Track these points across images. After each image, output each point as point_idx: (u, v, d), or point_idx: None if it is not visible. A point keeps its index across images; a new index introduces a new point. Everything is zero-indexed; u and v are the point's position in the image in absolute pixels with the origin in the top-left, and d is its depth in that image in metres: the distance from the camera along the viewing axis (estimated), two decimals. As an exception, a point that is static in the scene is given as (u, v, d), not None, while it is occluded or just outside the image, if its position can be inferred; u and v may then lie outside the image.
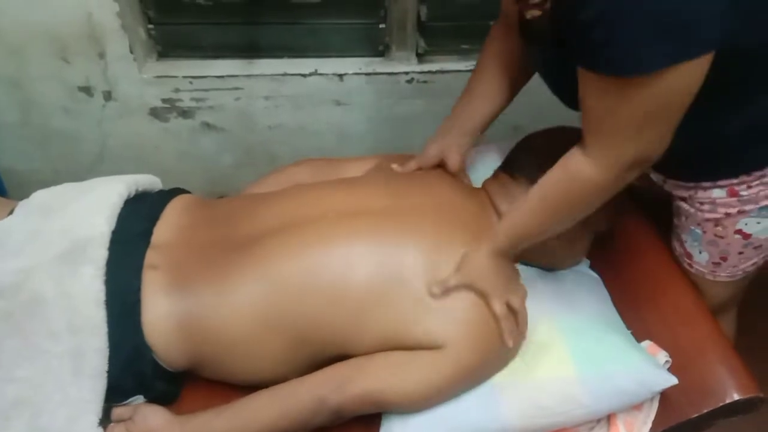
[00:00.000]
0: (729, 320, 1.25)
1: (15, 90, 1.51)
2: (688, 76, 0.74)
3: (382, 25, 1.52)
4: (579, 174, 0.85)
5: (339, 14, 1.51)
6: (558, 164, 0.88)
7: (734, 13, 0.72)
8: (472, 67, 1.15)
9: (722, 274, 1.09)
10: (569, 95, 0.86)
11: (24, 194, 1.09)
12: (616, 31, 0.72)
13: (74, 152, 1.65)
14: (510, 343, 0.94)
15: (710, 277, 1.11)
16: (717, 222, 1.02)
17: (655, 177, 1.11)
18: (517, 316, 0.96)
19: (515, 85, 1.12)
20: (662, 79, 0.73)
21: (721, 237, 1.03)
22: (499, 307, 0.94)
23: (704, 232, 1.05)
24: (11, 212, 1.06)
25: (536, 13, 0.86)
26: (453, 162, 1.13)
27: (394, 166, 1.15)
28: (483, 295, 0.94)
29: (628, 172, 0.83)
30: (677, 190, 1.06)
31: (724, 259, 1.06)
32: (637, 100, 0.76)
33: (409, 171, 1.14)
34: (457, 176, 1.15)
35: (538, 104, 1.44)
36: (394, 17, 1.50)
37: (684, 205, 1.06)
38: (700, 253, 1.08)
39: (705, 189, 1.00)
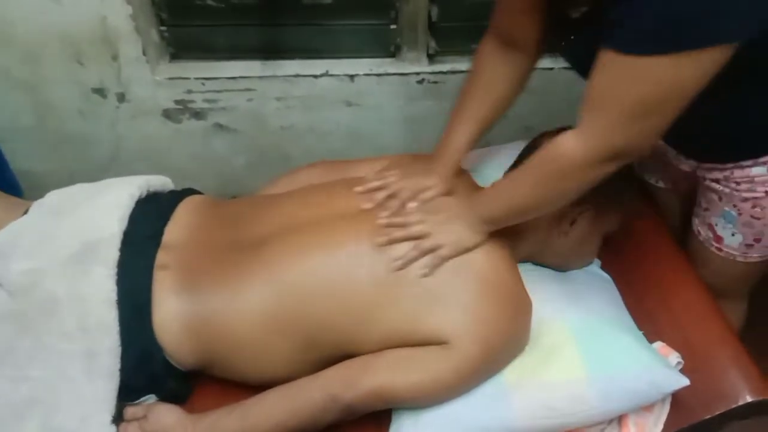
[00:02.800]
0: (739, 307, 1.26)
1: (31, 93, 1.53)
2: (697, 67, 0.73)
3: (393, 26, 1.52)
4: (562, 147, 0.85)
5: (350, 15, 1.51)
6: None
7: None
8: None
9: (754, 255, 1.10)
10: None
11: (39, 195, 1.10)
12: (639, 10, 0.72)
13: (88, 154, 1.67)
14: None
15: (741, 259, 1.11)
16: (755, 202, 1.02)
17: (688, 164, 1.11)
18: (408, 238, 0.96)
19: (503, 105, 1.09)
20: (672, 64, 0.73)
21: (758, 218, 1.03)
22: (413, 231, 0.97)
23: (740, 213, 1.04)
24: (26, 212, 1.07)
25: (582, 9, 0.87)
26: None
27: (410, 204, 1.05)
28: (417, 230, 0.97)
29: (610, 161, 0.83)
30: (712, 172, 1.06)
31: (758, 240, 1.07)
32: (643, 83, 0.75)
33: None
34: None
35: (550, 105, 1.45)
36: (404, 18, 1.50)
37: (718, 187, 1.05)
38: (733, 235, 1.08)
39: (743, 168, 1.00)
